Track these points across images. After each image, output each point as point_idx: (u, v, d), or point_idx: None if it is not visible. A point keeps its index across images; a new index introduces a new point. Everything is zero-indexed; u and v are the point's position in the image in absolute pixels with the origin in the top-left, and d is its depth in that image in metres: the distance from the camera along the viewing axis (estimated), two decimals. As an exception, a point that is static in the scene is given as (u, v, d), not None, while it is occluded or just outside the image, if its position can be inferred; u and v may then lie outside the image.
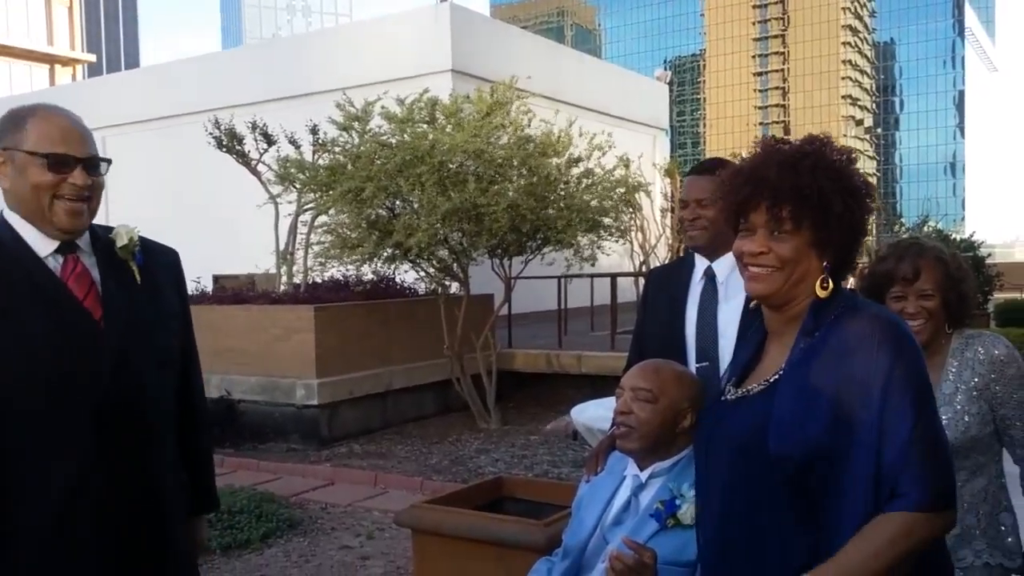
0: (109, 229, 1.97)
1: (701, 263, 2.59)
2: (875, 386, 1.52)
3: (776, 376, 1.64)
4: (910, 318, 2.42)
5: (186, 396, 2.11)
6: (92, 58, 38.67)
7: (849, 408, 1.53)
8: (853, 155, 1.70)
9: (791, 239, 1.62)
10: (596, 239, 9.61)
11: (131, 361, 1.86)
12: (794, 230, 1.62)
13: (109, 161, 1.92)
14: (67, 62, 35.71)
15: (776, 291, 1.65)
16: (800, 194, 1.59)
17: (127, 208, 18.70)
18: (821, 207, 1.60)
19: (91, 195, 1.87)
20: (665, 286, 2.71)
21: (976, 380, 2.42)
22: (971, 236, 14.79)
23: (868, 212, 1.66)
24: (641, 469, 2.22)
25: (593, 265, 9.88)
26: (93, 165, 1.87)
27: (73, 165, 1.83)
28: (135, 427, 1.87)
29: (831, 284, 1.65)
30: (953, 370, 2.46)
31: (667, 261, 16.63)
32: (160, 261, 2.05)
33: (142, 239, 1.99)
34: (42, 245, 1.85)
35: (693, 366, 2.42)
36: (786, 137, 1.74)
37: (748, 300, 1.97)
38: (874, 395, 1.51)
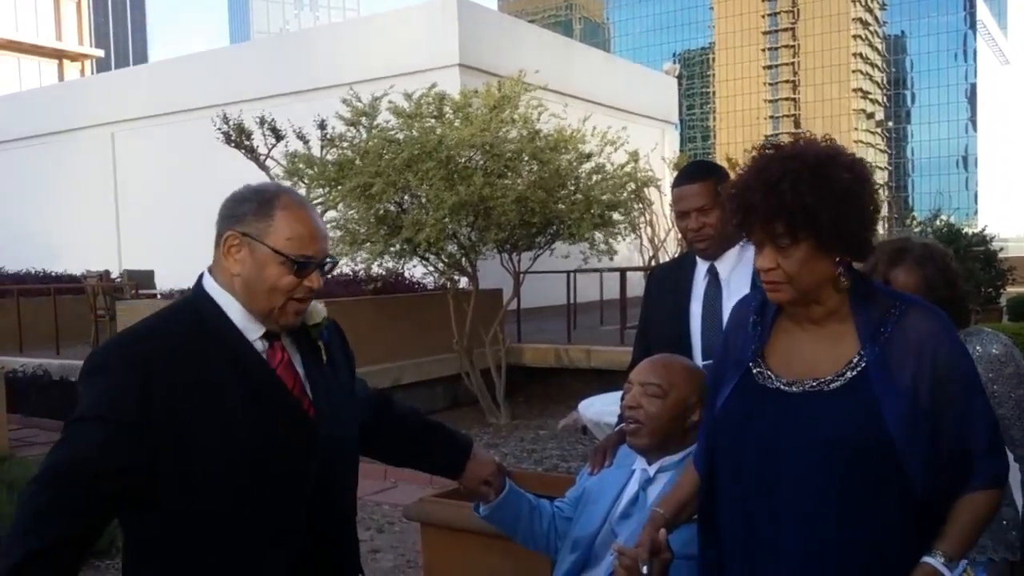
0: None
1: (703, 261, 2.58)
2: (955, 380, 1.63)
3: (853, 372, 1.65)
4: None
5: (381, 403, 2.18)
6: (100, 53, 38.63)
7: (934, 401, 1.62)
8: (837, 149, 1.69)
9: (794, 251, 1.64)
10: (608, 233, 9.58)
11: (333, 449, 1.78)
12: (793, 244, 1.64)
13: (336, 261, 1.89)
14: (75, 57, 35.73)
15: (793, 299, 1.70)
16: (788, 212, 1.61)
17: (135, 203, 18.86)
18: (811, 221, 1.61)
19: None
20: (668, 284, 2.69)
21: None
22: (983, 230, 14.68)
23: (865, 202, 1.66)
24: (650, 463, 2.21)
25: (611, 259, 9.86)
26: (324, 265, 1.77)
27: (313, 268, 1.72)
28: (335, 509, 1.83)
29: (848, 278, 1.69)
30: None
31: (676, 255, 16.62)
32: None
33: None
34: (249, 328, 1.72)
35: (699, 363, 2.42)
36: (777, 142, 1.73)
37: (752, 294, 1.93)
38: (956, 387, 1.63)
